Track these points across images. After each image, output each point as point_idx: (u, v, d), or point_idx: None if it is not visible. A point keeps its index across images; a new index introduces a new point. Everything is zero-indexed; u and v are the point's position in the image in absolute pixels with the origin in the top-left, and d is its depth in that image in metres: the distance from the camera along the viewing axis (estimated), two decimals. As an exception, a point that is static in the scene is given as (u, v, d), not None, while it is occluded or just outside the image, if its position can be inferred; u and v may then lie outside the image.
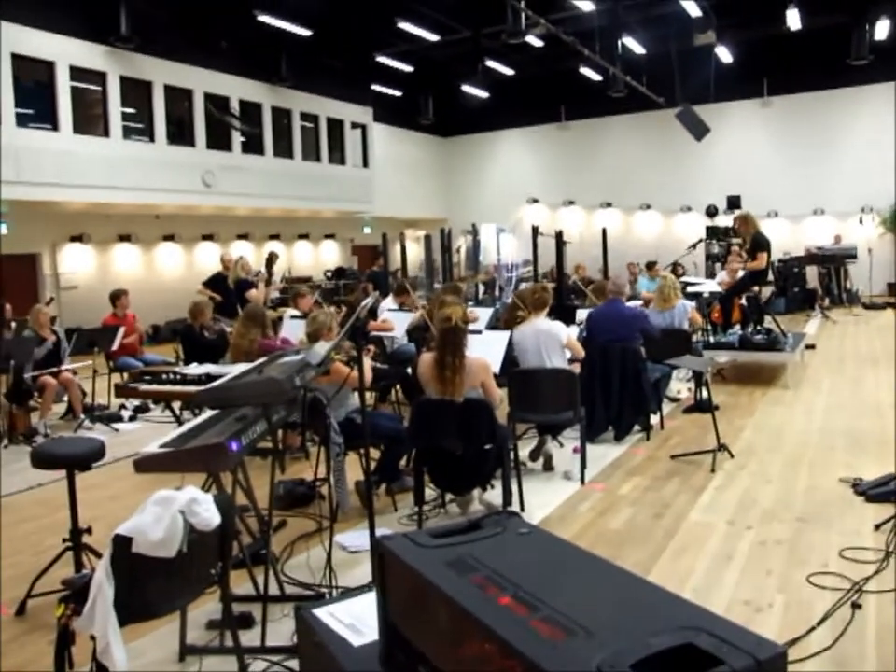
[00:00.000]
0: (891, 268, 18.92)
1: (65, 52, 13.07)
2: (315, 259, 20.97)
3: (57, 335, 8.03)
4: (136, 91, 14.65)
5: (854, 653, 3.04)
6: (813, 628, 3.22)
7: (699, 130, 16.71)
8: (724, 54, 17.91)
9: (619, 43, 16.93)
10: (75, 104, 13.39)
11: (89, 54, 13.50)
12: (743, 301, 10.80)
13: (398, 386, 7.32)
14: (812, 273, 17.62)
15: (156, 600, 2.55)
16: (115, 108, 14.11)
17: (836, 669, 2.95)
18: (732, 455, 5.85)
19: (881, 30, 16.01)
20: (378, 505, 4.86)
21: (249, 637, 3.26)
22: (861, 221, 18.44)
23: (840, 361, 10.15)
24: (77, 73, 13.41)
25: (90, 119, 13.97)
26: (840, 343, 11.93)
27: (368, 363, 4.89)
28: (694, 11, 15.36)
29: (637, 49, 17.65)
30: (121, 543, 2.36)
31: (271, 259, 10.48)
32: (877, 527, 4.27)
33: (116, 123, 14.14)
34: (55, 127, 13.06)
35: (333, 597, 2.40)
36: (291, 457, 5.70)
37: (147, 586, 2.47)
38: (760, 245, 9.24)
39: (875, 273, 17.71)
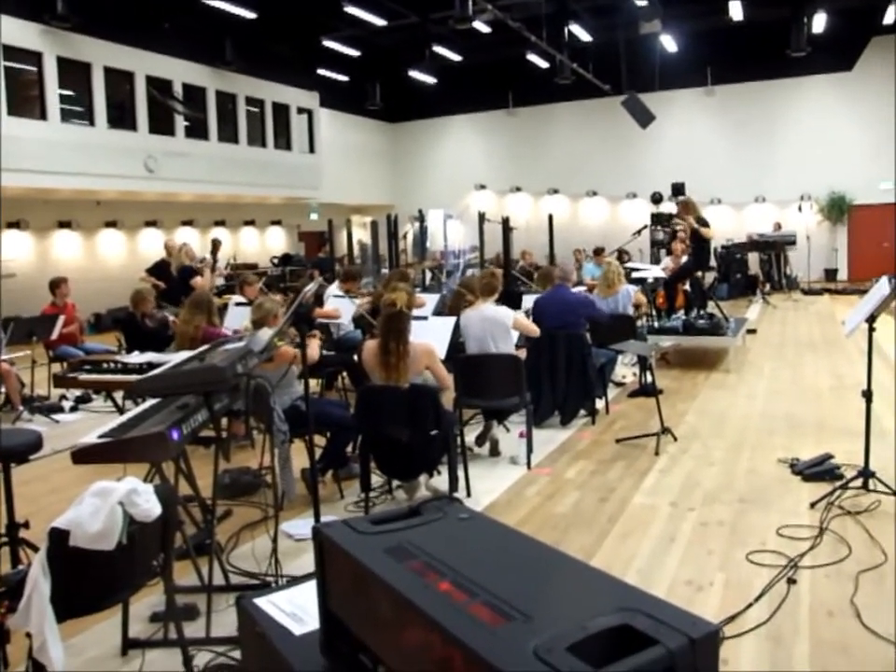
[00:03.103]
0: (828, 254, 19.43)
1: (-2, 31, 12.61)
2: (262, 245, 20.70)
3: (-7, 324, 7.80)
4: (75, 73, 14.20)
5: (788, 627, 3.14)
6: (751, 605, 3.31)
7: (644, 117, 16.90)
8: (669, 43, 18.11)
9: (566, 30, 17.00)
10: (9, 85, 12.90)
11: (23, 33, 13.01)
12: (687, 287, 10.99)
13: (344, 373, 7.28)
14: (754, 259, 18.04)
15: (96, 594, 2.50)
16: (52, 90, 13.66)
17: (772, 643, 3.03)
18: (675, 439, 5.96)
19: (818, 23, 16.36)
20: (325, 492, 4.85)
21: (194, 629, 3.22)
22: (800, 209, 18.88)
23: (780, 346, 10.40)
24: (10, 52, 12.88)
25: (25, 101, 13.51)
26: (780, 327, 12.23)
27: (315, 343, 4.84)
28: (640, 0, 15.49)
29: (584, 36, 17.73)
30: (58, 537, 2.31)
31: (215, 245, 10.34)
32: (812, 505, 4.40)
33: (53, 106, 13.70)
34: (-12, 109, 12.63)
35: (277, 586, 2.38)
36: (236, 446, 5.63)
37: (85, 580, 2.42)
38: (703, 223, 9.46)
39: (813, 259, 18.15)
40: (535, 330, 6.06)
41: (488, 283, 6.02)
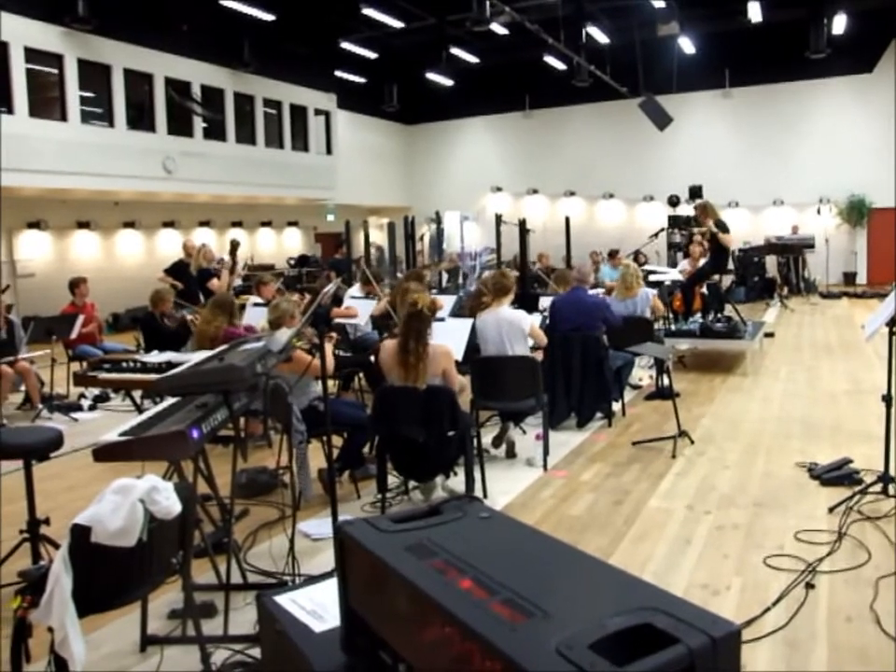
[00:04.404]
0: (847, 258, 19.29)
1: (20, 33, 12.69)
2: (278, 246, 20.79)
3: (13, 323, 7.87)
4: (95, 75, 14.33)
5: (806, 632, 3.12)
6: (768, 609, 3.29)
7: (662, 120, 16.86)
8: (687, 45, 18.04)
9: (583, 32, 16.96)
10: (30, 86, 13.04)
11: (44, 35, 13.15)
12: (704, 290, 10.94)
13: (361, 374, 7.30)
14: (771, 262, 17.92)
15: (115, 590, 2.52)
16: (72, 92, 13.79)
17: (789, 648, 3.02)
18: (692, 442, 5.94)
19: (838, 25, 16.24)
20: (341, 492, 4.86)
21: (211, 627, 3.24)
22: (818, 212, 18.76)
23: (797, 349, 10.34)
24: (32, 54, 13.05)
25: (46, 103, 13.65)
26: (798, 331, 12.14)
27: (329, 348, 4.86)
28: (658, 2, 15.45)
29: (601, 38, 17.71)
30: (80, 533, 2.34)
31: (234, 246, 10.36)
32: (831, 510, 4.37)
33: (74, 107, 13.83)
34: (10, 110, 12.71)
35: (296, 584, 2.39)
36: (254, 445, 5.67)
37: (106, 577, 2.44)
38: (722, 229, 9.38)
39: (832, 263, 18.04)
40: (545, 340, 6.07)
41: (498, 282, 5.98)
